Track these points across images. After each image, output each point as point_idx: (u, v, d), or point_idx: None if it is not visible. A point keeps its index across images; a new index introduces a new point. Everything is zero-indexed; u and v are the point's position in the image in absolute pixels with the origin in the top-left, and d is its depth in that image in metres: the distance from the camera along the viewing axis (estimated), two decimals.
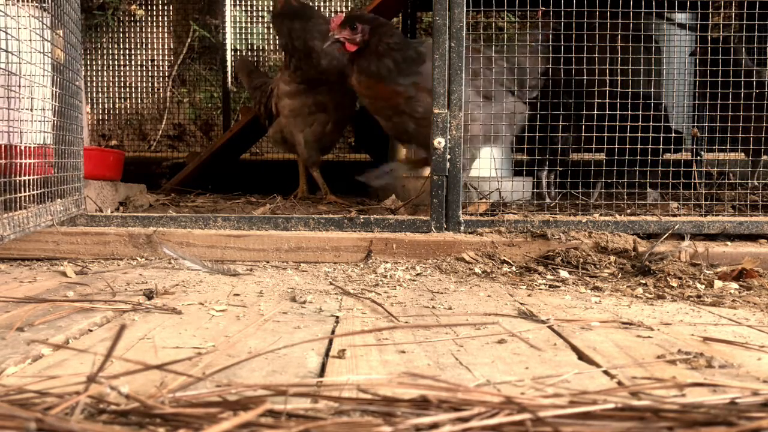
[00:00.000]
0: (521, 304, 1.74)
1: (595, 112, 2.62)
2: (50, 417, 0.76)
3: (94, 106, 5.46)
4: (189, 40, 5.71)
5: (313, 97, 3.58)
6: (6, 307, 1.59)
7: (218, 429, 0.73)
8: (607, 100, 2.64)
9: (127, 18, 5.52)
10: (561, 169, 3.25)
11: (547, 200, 3.07)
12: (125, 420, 0.81)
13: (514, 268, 2.28)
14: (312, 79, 3.54)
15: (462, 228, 2.50)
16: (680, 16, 3.78)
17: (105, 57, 5.51)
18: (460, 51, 2.49)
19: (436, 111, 2.50)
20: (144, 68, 5.62)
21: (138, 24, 5.53)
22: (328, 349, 1.26)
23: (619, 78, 3.00)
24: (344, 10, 5.22)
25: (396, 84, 2.87)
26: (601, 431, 0.76)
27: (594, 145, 2.67)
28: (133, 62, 5.58)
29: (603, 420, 0.79)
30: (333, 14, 5.04)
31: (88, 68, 5.38)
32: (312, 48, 3.47)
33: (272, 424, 0.79)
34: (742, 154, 3.46)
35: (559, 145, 3.15)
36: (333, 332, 1.42)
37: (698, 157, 3.37)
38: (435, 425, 0.78)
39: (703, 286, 1.97)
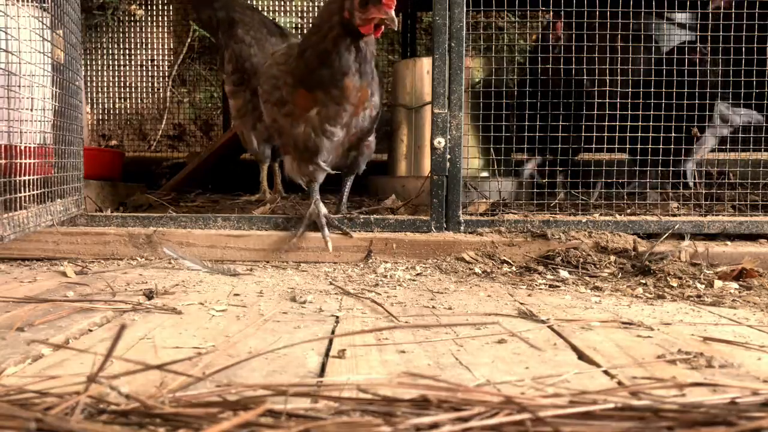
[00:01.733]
0: (521, 303, 1.74)
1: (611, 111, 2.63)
2: (50, 417, 0.76)
3: (94, 106, 5.46)
4: (189, 40, 5.71)
5: (250, 91, 3.38)
6: (6, 307, 1.59)
7: (218, 429, 0.73)
8: (603, 100, 2.64)
9: (127, 18, 5.52)
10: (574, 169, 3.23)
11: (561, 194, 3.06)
12: (125, 420, 0.81)
13: (514, 268, 2.28)
14: (242, 69, 3.36)
15: (462, 228, 2.50)
16: (680, 16, 3.78)
17: (105, 57, 5.51)
18: (460, 51, 2.49)
19: (436, 111, 2.50)
20: (144, 68, 5.62)
21: (138, 24, 5.52)
22: (328, 349, 1.26)
23: (619, 78, 3.00)
24: None
25: (366, 84, 2.38)
26: (601, 431, 0.76)
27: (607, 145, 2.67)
28: (133, 62, 5.58)
29: (603, 420, 0.79)
30: None
31: (88, 68, 5.38)
32: (233, 18, 3.34)
33: (272, 424, 0.79)
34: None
35: (570, 145, 3.14)
36: (333, 332, 1.42)
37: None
38: (435, 425, 0.78)
39: (703, 286, 1.97)
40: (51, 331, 1.36)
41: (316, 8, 5.25)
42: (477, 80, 3.43)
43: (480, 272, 2.21)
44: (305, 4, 5.36)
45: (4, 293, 1.78)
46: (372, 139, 2.65)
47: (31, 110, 2.24)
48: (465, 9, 2.48)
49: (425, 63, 3.69)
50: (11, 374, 1.09)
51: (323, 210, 2.46)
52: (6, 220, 1.85)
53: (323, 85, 2.31)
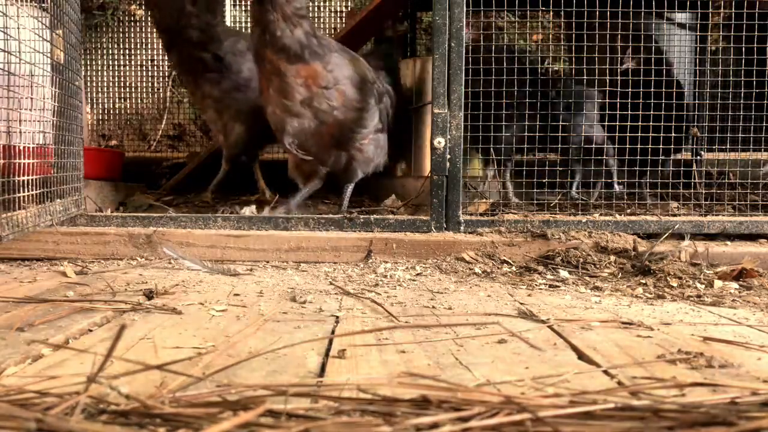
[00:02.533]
0: (521, 303, 1.74)
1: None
2: (50, 417, 0.76)
3: (94, 106, 5.46)
4: None
5: (202, 89, 3.35)
6: (6, 307, 1.59)
7: (218, 429, 0.73)
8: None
9: (126, 18, 5.51)
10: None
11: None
12: (125, 420, 0.81)
13: (514, 268, 2.28)
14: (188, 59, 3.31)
15: (462, 228, 2.50)
16: (680, 16, 3.78)
17: (105, 57, 5.50)
18: (460, 51, 2.49)
19: (436, 111, 2.50)
20: (144, 68, 5.62)
21: (138, 24, 5.52)
22: (328, 349, 1.26)
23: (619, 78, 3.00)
24: (344, 9, 5.22)
25: (316, 63, 2.57)
26: (601, 431, 0.76)
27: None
28: (133, 62, 5.57)
29: (603, 420, 0.79)
30: (333, 14, 5.04)
31: (88, 68, 5.38)
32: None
33: (272, 424, 0.79)
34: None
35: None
36: (333, 332, 1.42)
37: (698, 157, 3.37)
38: (435, 425, 0.78)
39: (703, 286, 1.97)
40: (51, 331, 1.36)
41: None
42: None
43: (480, 272, 2.21)
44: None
45: (4, 293, 1.78)
46: (367, 143, 2.67)
47: (31, 110, 2.24)
48: (465, 9, 2.48)
49: (425, 63, 3.68)
50: (11, 374, 1.09)
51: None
52: (5, 220, 1.85)
53: (258, 60, 2.63)
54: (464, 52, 2.49)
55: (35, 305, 1.59)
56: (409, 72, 3.73)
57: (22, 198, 2.02)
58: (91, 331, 1.41)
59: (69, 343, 1.31)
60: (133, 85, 5.62)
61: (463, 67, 2.49)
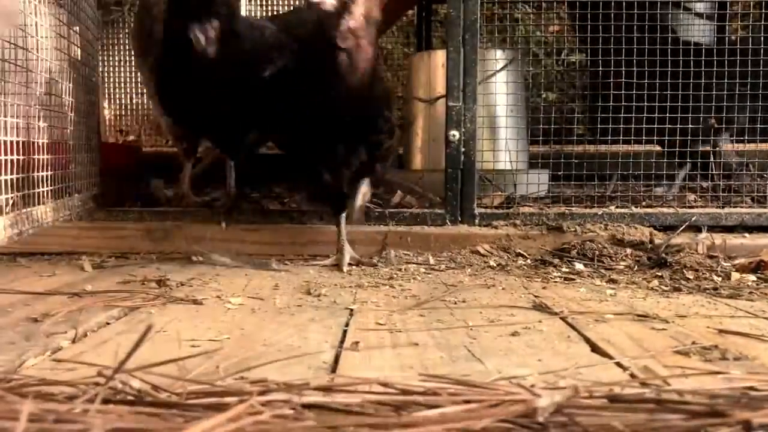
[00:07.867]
0: (536, 296, 1.73)
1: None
2: (69, 408, 0.77)
3: (112, 102, 5.50)
4: None
5: None
6: (26, 300, 1.62)
7: (231, 420, 0.74)
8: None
9: None
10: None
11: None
12: (142, 410, 0.83)
13: (529, 261, 2.28)
14: None
15: (477, 221, 2.50)
16: (698, 5, 3.73)
17: (122, 53, 5.54)
18: (475, 43, 2.48)
19: (450, 103, 2.49)
20: None
21: None
22: (342, 342, 1.27)
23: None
24: None
25: None
26: (613, 423, 0.76)
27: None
28: None
29: (615, 411, 0.79)
30: None
31: (106, 64, 5.41)
32: None
33: (287, 415, 0.80)
34: None
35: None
36: (347, 325, 1.43)
37: (716, 148, 3.33)
38: (448, 417, 0.78)
39: (720, 279, 1.96)
40: (70, 324, 1.38)
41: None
42: None
43: (495, 265, 2.21)
44: None
45: (23, 287, 1.81)
46: None
47: (49, 106, 2.26)
48: (479, 1, 2.47)
49: (440, 55, 3.67)
50: (31, 366, 1.11)
51: None
52: (25, 215, 1.88)
53: None
54: (478, 44, 2.49)
55: (54, 298, 1.61)
56: (423, 65, 3.72)
57: (41, 193, 2.05)
58: (108, 324, 1.43)
59: (87, 335, 1.33)
60: None
61: (478, 60, 2.49)
